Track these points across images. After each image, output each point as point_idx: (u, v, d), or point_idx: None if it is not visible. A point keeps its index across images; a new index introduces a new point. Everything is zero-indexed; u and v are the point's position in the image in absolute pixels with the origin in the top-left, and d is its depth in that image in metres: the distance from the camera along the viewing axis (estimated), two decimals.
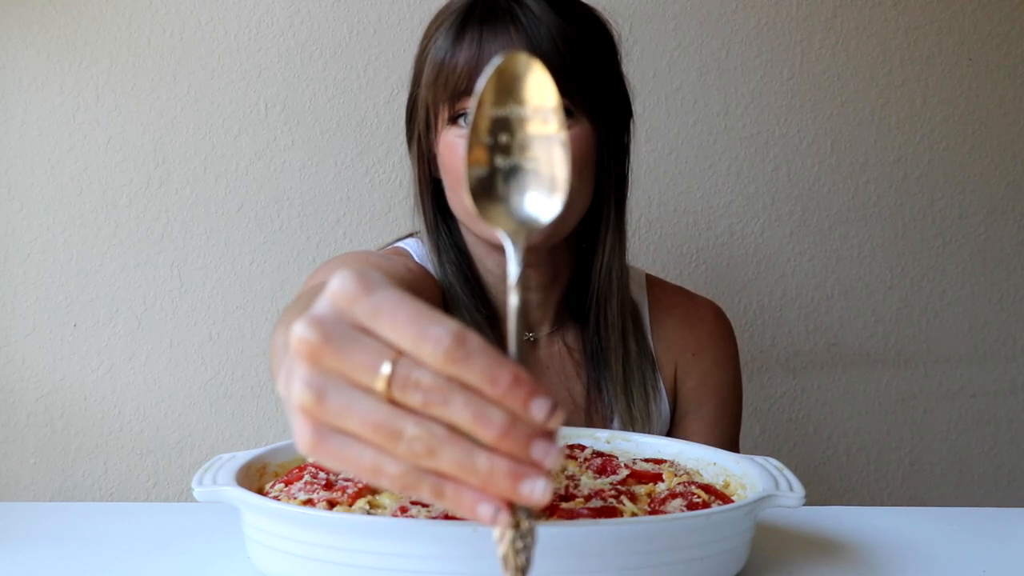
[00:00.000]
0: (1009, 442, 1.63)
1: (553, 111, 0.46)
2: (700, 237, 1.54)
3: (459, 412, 0.40)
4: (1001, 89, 1.58)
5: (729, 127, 1.53)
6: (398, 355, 0.41)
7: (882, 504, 1.58)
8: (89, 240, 1.43)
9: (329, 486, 0.67)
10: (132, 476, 1.45)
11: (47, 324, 1.42)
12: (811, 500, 0.70)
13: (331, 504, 0.64)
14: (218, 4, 1.43)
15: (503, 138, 0.46)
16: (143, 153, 1.43)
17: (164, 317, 1.44)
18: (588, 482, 0.72)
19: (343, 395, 0.41)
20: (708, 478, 0.76)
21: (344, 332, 0.41)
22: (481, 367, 0.40)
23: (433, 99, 0.97)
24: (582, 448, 0.81)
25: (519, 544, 0.43)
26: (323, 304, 0.42)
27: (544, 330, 1.07)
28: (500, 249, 1.00)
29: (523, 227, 0.46)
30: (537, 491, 0.41)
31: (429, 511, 0.63)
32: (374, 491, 0.67)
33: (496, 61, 0.45)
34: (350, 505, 0.64)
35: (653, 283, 1.14)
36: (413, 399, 0.40)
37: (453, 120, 0.95)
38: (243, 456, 0.72)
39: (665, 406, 1.08)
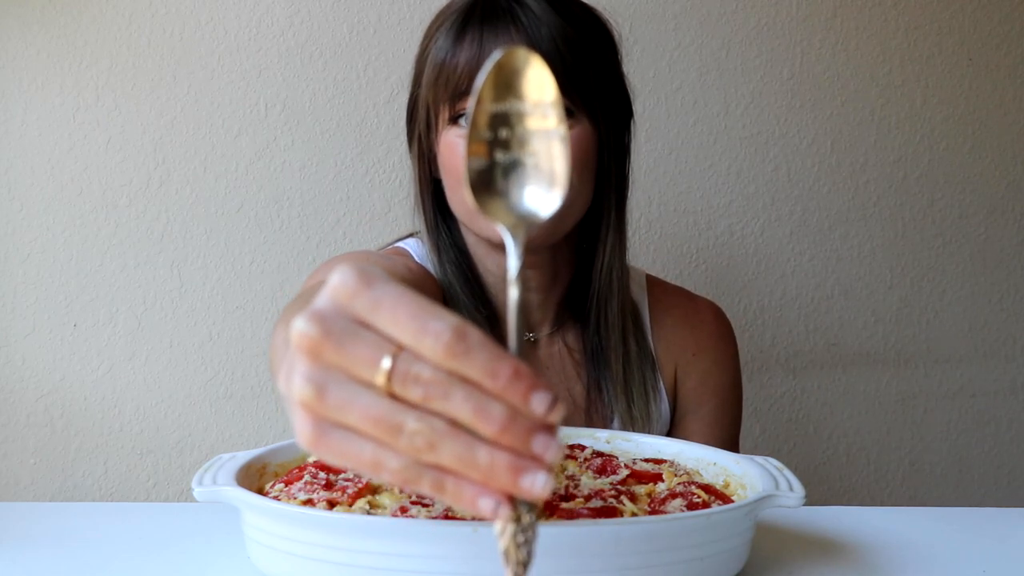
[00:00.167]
0: (1009, 442, 1.63)
1: (552, 105, 0.46)
2: (700, 237, 1.54)
3: (460, 406, 0.40)
4: (1001, 89, 1.58)
5: (729, 127, 1.53)
6: (398, 349, 0.41)
7: (882, 504, 1.58)
8: (89, 240, 1.43)
9: (329, 486, 0.67)
10: (132, 476, 1.45)
11: (47, 324, 1.42)
12: (811, 500, 0.70)
13: (331, 504, 0.64)
14: (218, 4, 1.43)
15: (502, 133, 0.46)
16: (143, 153, 1.43)
17: (164, 317, 1.44)
18: (588, 482, 0.72)
19: (344, 390, 0.41)
20: (708, 478, 0.76)
21: (344, 327, 0.41)
22: (481, 361, 0.40)
23: (434, 99, 0.97)
24: (582, 448, 0.81)
25: (520, 538, 0.43)
26: (323, 299, 0.42)
27: (544, 330, 1.07)
28: (500, 249, 1.00)
29: (523, 222, 0.46)
30: (538, 484, 0.41)
31: (429, 511, 0.63)
32: (374, 491, 0.67)
33: (495, 56, 0.45)
34: (350, 505, 0.64)
35: (653, 283, 1.14)
36: (413, 393, 0.40)
37: (454, 120, 0.95)
38: (243, 456, 0.72)
39: (665, 406, 1.08)
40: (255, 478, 0.72)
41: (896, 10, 1.56)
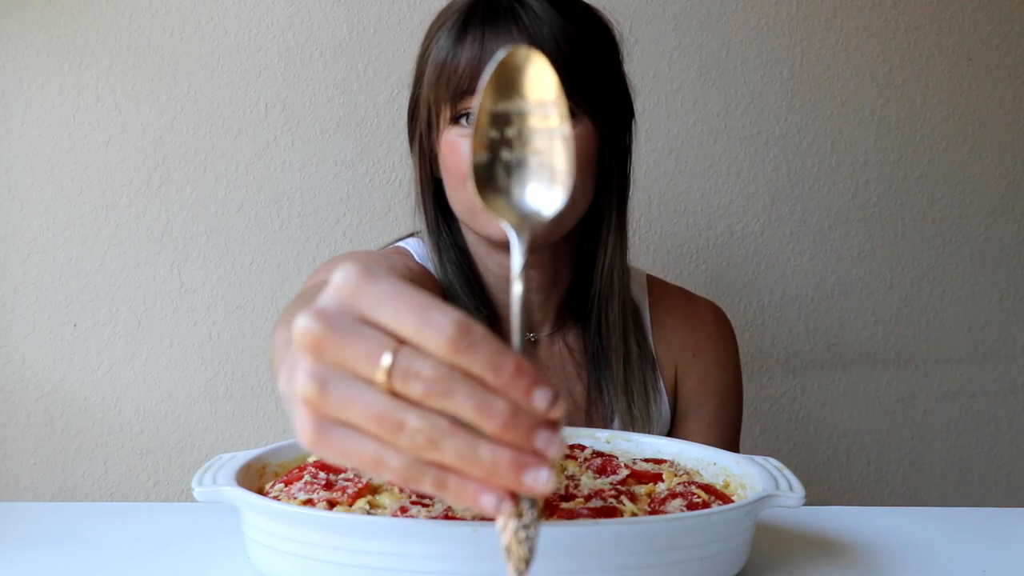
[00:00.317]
0: (1009, 442, 1.63)
1: (554, 104, 0.46)
2: (700, 237, 1.54)
3: (462, 403, 0.40)
4: (1001, 89, 1.58)
5: (729, 127, 1.53)
6: (399, 345, 0.41)
7: (882, 504, 1.58)
8: (89, 240, 1.43)
9: (329, 486, 0.67)
10: (132, 476, 1.45)
11: (47, 324, 1.42)
12: (811, 500, 0.70)
13: (331, 504, 0.64)
14: (218, 4, 1.43)
15: (507, 132, 0.46)
16: (143, 153, 1.43)
17: (164, 317, 1.44)
18: (588, 482, 0.72)
19: (345, 386, 0.41)
20: (708, 478, 0.76)
21: (347, 324, 0.41)
22: (484, 356, 0.40)
23: (435, 98, 0.97)
24: (582, 448, 0.81)
25: (522, 535, 0.43)
26: (327, 297, 0.42)
27: (545, 330, 1.07)
28: (501, 248, 1.00)
29: (527, 220, 0.46)
30: (540, 480, 0.41)
31: (429, 511, 0.63)
32: (374, 491, 0.67)
33: (499, 55, 0.46)
34: (350, 505, 0.64)
35: (654, 284, 1.14)
36: (414, 390, 0.40)
37: (455, 120, 0.95)
38: (243, 456, 0.72)
39: (665, 406, 1.08)
40: (255, 478, 0.72)
41: (896, 10, 1.56)
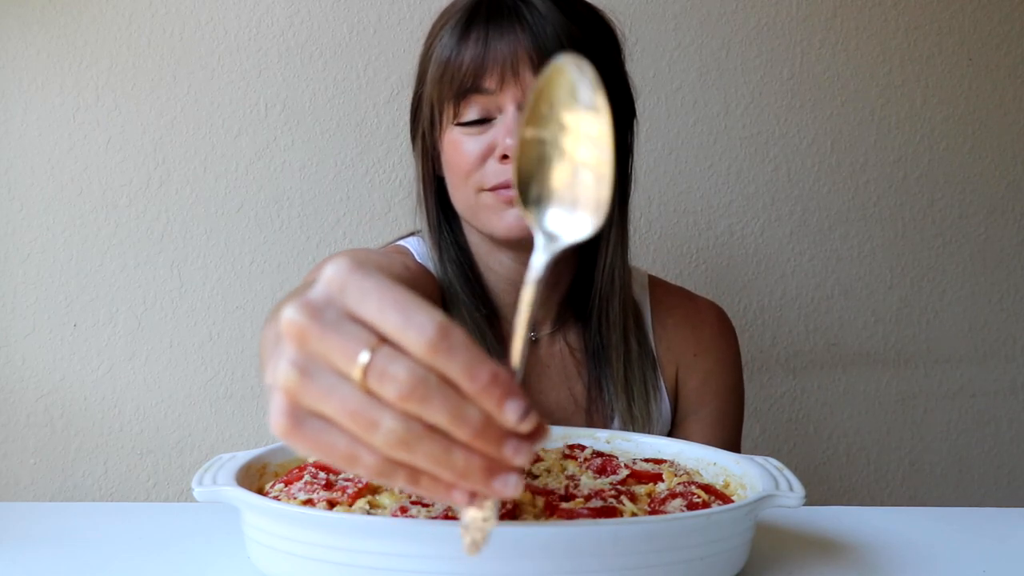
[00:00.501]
0: (1009, 442, 1.63)
1: (607, 139, 0.46)
2: (700, 237, 1.54)
3: (435, 409, 0.41)
4: (1001, 89, 1.58)
5: (729, 127, 1.53)
6: (380, 344, 0.41)
7: (882, 504, 1.58)
8: (89, 240, 1.43)
9: (329, 486, 0.67)
10: (132, 476, 1.45)
11: (47, 324, 1.42)
12: (811, 500, 0.70)
13: (331, 504, 0.64)
14: (218, 4, 1.43)
15: (553, 146, 0.47)
16: (143, 153, 1.43)
17: (164, 317, 1.44)
18: (588, 482, 0.72)
19: (325, 378, 0.42)
20: (708, 478, 0.76)
21: (332, 317, 0.42)
22: (462, 361, 0.41)
23: (438, 96, 0.97)
24: (582, 448, 0.81)
25: (479, 524, 0.45)
26: (316, 289, 0.43)
27: (546, 329, 1.07)
28: (503, 246, 1.00)
29: (553, 239, 0.47)
30: (509, 486, 0.42)
31: (429, 511, 0.63)
32: (374, 491, 0.67)
33: (556, 63, 0.47)
34: (350, 505, 0.64)
35: (655, 284, 1.14)
36: (388, 392, 0.41)
37: (458, 118, 0.96)
38: (243, 456, 0.72)
39: (666, 406, 1.08)
40: (255, 478, 0.72)
41: (896, 10, 1.56)
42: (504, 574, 0.57)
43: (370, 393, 0.41)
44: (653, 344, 1.09)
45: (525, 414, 0.41)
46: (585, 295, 1.06)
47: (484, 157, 0.95)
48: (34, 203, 1.42)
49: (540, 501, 0.65)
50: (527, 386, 1.04)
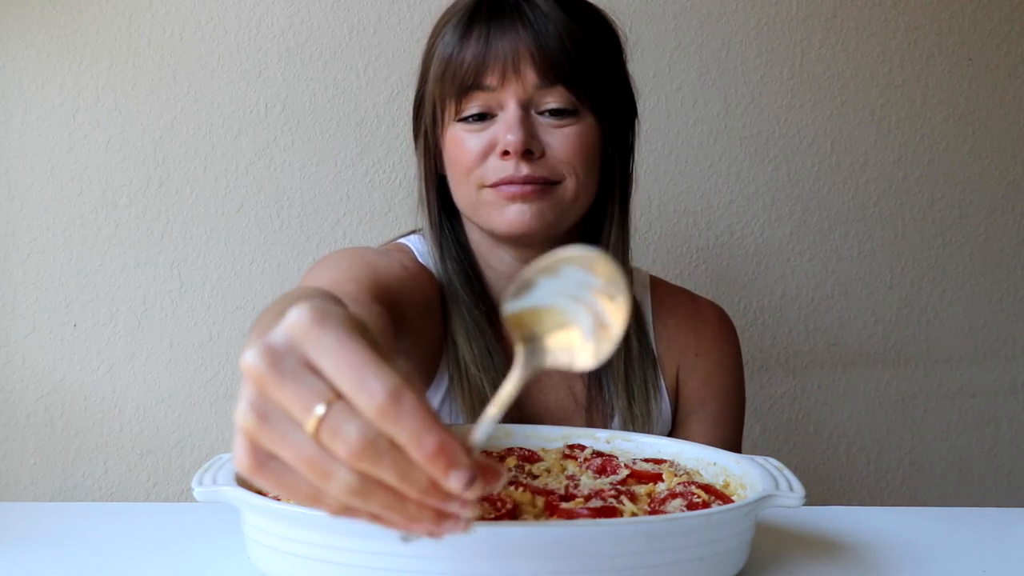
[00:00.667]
0: (1009, 442, 1.63)
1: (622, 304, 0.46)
2: (700, 237, 1.54)
3: (384, 472, 0.42)
4: (1001, 89, 1.58)
5: (729, 127, 1.53)
6: (335, 398, 0.42)
7: (882, 504, 1.58)
8: (89, 240, 1.43)
9: None
10: (132, 476, 1.45)
11: (47, 324, 1.42)
12: (811, 500, 0.70)
13: None
14: (218, 4, 1.43)
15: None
16: (143, 153, 1.43)
17: (164, 317, 1.44)
18: (588, 482, 0.72)
19: (281, 425, 0.43)
20: (708, 478, 0.76)
21: (290, 365, 0.43)
22: (409, 429, 0.41)
23: (440, 94, 0.97)
24: (582, 448, 0.81)
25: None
26: (278, 333, 0.44)
27: None
28: (504, 243, 1.00)
29: (536, 356, 0.47)
30: (460, 527, 0.44)
31: None
32: None
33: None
34: None
35: (657, 284, 1.14)
36: (339, 450, 0.42)
37: (460, 115, 0.96)
38: None
39: (666, 405, 1.08)
40: None
41: (896, 10, 1.56)
42: (504, 574, 0.57)
43: (323, 446, 0.42)
44: (654, 343, 1.09)
45: (470, 483, 0.42)
46: None
47: (485, 154, 0.95)
48: (34, 203, 1.42)
49: (540, 501, 0.65)
50: (528, 385, 1.04)
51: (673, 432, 1.10)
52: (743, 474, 0.74)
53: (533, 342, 0.47)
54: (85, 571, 0.69)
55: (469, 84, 0.94)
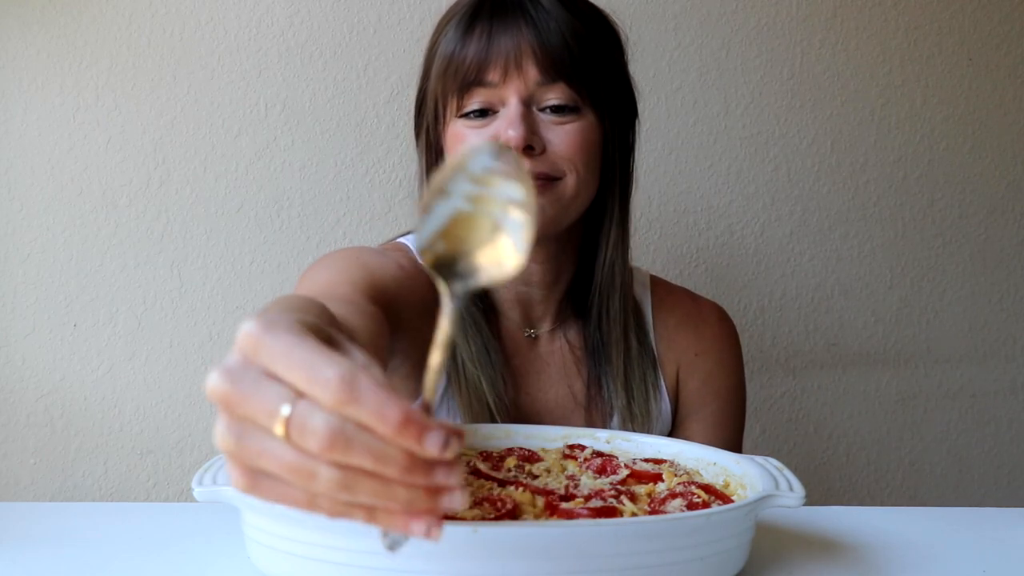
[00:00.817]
0: (1009, 442, 1.63)
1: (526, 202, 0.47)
2: (700, 237, 1.54)
3: (359, 456, 0.42)
4: (1001, 89, 1.58)
5: (729, 127, 1.53)
6: (298, 397, 0.42)
7: (882, 504, 1.58)
8: (89, 240, 1.43)
9: None
10: (132, 476, 1.45)
11: (47, 324, 1.42)
12: (811, 500, 0.70)
13: None
14: (218, 4, 1.43)
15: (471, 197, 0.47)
16: (143, 153, 1.43)
17: (164, 317, 1.44)
18: (588, 482, 0.72)
19: (256, 439, 0.43)
20: (708, 478, 0.76)
21: (250, 378, 0.43)
22: (370, 408, 0.41)
23: (442, 90, 0.98)
24: (582, 448, 0.81)
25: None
26: (232, 352, 0.44)
27: (545, 326, 1.07)
28: None
29: (462, 278, 0.47)
30: (456, 502, 0.43)
31: None
32: None
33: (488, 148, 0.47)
34: None
35: (657, 284, 1.14)
36: (310, 444, 0.42)
37: (461, 111, 0.96)
38: None
39: (666, 405, 1.08)
40: None
41: (896, 10, 1.56)
42: (504, 574, 0.57)
43: (298, 447, 0.42)
44: (654, 343, 1.09)
45: (446, 442, 0.42)
46: (585, 292, 1.06)
47: None
48: (34, 203, 1.42)
49: (540, 501, 0.65)
50: (527, 383, 1.04)
51: (673, 432, 1.10)
52: (743, 474, 0.74)
53: (455, 270, 0.47)
54: (85, 571, 0.69)
55: (471, 80, 0.95)
